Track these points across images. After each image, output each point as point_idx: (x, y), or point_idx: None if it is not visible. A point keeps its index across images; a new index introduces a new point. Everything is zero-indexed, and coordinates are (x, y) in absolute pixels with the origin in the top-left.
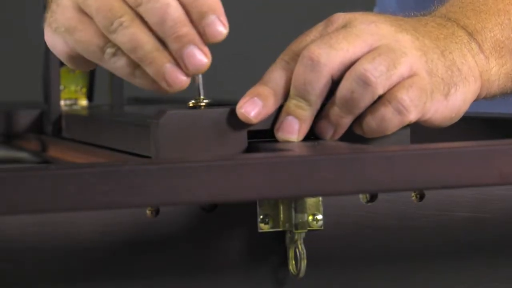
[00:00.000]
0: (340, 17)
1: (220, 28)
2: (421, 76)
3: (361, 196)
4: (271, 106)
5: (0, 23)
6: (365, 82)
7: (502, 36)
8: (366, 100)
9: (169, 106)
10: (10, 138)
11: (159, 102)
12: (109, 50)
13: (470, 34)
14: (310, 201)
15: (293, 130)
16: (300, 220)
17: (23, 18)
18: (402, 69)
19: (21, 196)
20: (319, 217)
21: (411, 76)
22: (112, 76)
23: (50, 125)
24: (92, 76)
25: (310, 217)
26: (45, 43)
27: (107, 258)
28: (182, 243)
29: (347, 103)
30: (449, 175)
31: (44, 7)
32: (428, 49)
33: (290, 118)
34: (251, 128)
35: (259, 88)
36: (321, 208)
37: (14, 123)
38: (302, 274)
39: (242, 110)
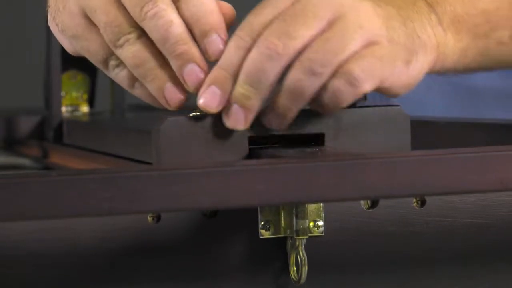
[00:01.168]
0: None
1: (222, 46)
2: (381, 45)
3: (362, 202)
4: (230, 91)
5: (1, 29)
6: (312, 73)
7: (462, 11)
8: (312, 89)
9: (170, 112)
10: (11, 144)
11: (160, 109)
12: (113, 62)
13: (430, 5)
14: (311, 207)
15: (239, 120)
16: (301, 226)
17: (23, 24)
18: (352, 48)
19: (22, 203)
20: (320, 223)
21: (368, 46)
22: (113, 82)
23: (51, 131)
24: (94, 82)
25: (311, 223)
26: (46, 48)
27: (108, 264)
28: (183, 249)
29: (293, 93)
30: (450, 181)
31: (45, 15)
32: (390, 16)
33: (236, 107)
34: (252, 134)
35: (216, 73)
36: (322, 214)
37: (15, 129)
38: (303, 280)
39: (201, 102)
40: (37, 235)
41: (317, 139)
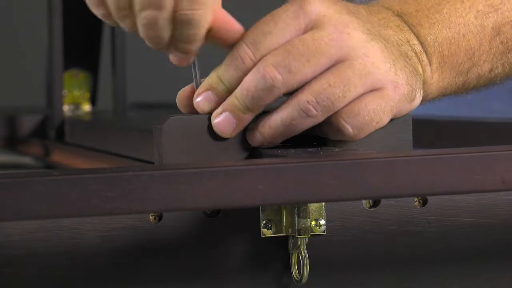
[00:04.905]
0: (313, 12)
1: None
2: (384, 92)
3: (363, 201)
4: (224, 99)
5: (4, 28)
6: (307, 115)
7: (448, 52)
8: (303, 128)
9: (172, 111)
10: (13, 143)
11: (162, 107)
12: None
13: (422, 44)
14: (313, 206)
15: (229, 129)
16: (303, 225)
17: (26, 23)
18: (354, 95)
19: (23, 202)
20: (322, 222)
21: (373, 91)
22: (115, 81)
23: (53, 130)
24: (95, 81)
25: (313, 222)
26: (48, 47)
27: (110, 263)
28: (185, 248)
29: (283, 129)
30: (452, 181)
31: (47, 12)
32: (396, 57)
33: (228, 115)
34: None
35: (214, 81)
36: (324, 213)
37: (17, 128)
38: (305, 279)
39: (195, 102)
40: (38, 234)
41: (319, 139)
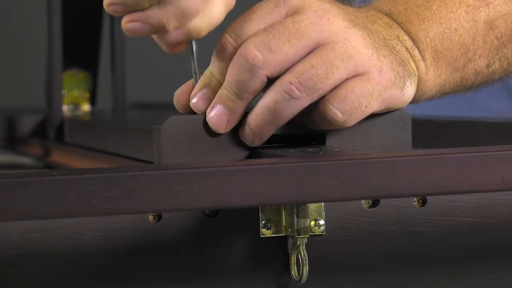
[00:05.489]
0: None
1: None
2: (370, 76)
3: (363, 201)
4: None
5: (3, 28)
6: (290, 97)
7: (441, 47)
8: (289, 113)
9: (172, 111)
10: (13, 143)
11: (161, 107)
12: None
13: (413, 40)
14: (312, 206)
15: (222, 122)
16: (302, 226)
17: (26, 23)
18: (336, 77)
19: (23, 202)
20: (321, 222)
21: (356, 76)
22: (114, 81)
23: (53, 130)
24: (95, 81)
25: (312, 222)
26: (48, 47)
27: (110, 263)
28: (184, 248)
29: (269, 114)
30: (452, 181)
31: (47, 12)
32: (379, 46)
33: (220, 108)
34: None
35: (208, 79)
36: (323, 213)
37: (16, 128)
38: (304, 279)
39: (192, 103)
40: (38, 234)
41: (318, 139)
